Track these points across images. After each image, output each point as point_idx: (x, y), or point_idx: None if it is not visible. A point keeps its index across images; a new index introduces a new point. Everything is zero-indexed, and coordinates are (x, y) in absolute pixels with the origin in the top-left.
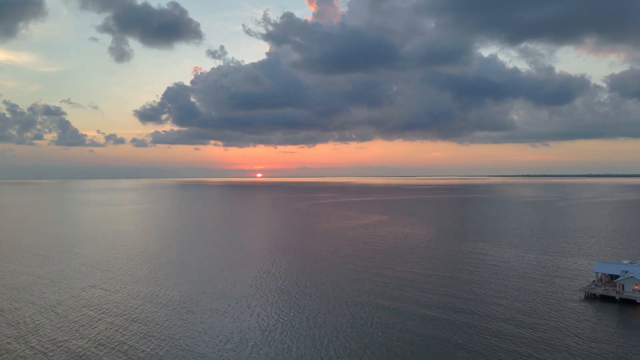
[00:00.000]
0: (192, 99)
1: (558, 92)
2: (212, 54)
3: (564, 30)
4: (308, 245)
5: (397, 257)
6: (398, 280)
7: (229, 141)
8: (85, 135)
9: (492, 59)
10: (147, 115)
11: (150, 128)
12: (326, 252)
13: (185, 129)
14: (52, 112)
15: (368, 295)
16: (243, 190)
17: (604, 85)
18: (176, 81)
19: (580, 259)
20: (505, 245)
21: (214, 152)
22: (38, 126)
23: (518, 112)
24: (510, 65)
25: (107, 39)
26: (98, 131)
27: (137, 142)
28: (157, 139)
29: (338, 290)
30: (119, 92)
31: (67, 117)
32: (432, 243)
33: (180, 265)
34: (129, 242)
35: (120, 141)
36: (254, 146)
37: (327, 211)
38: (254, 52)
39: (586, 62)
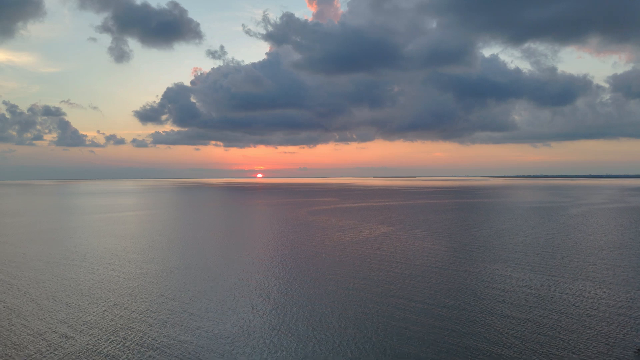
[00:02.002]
0: (192, 100)
1: (560, 93)
2: (212, 54)
3: (567, 30)
4: (307, 267)
5: (408, 282)
6: (413, 314)
7: (229, 142)
8: (86, 136)
9: (494, 59)
10: (147, 115)
11: (151, 129)
12: (328, 275)
13: (186, 129)
14: (52, 113)
15: (382, 339)
16: (242, 194)
17: (607, 85)
18: (176, 81)
19: (621, 290)
20: (528, 269)
21: (215, 152)
22: (38, 127)
23: (520, 113)
24: (512, 66)
25: (106, 39)
26: (98, 132)
27: (137, 143)
28: (158, 139)
29: (347, 333)
30: (118, 92)
31: (67, 118)
32: (446, 263)
33: (166, 296)
34: (113, 262)
35: (121, 142)
36: (255, 147)
37: (327, 221)
38: (254, 52)
39: (589, 63)
